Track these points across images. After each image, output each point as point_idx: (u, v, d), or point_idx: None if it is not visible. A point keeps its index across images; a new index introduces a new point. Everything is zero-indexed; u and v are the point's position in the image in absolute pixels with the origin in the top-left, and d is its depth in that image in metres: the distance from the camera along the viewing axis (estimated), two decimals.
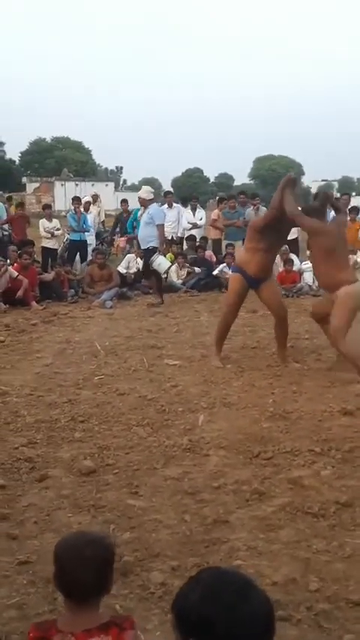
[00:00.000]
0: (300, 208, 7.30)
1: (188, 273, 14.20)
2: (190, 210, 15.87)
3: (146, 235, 12.51)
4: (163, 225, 12.69)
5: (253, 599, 1.45)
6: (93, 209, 16.14)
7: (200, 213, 16.04)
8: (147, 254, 12.45)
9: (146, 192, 13.02)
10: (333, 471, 4.69)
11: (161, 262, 12.46)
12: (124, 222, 16.09)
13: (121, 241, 15.22)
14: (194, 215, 15.75)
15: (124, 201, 17.21)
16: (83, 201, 15.75)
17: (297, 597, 3.22)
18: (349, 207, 15.23)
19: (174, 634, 1.51)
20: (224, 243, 15.20)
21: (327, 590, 3.27)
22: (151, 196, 12.89)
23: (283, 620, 3.01)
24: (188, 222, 15.54)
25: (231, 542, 3.75)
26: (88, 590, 2.01)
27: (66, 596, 2.07)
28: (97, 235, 15.91)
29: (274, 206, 7.30)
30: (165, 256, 14.09)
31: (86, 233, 14.82)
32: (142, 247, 12.65)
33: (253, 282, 7.62)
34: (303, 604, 3.16)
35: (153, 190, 13.61)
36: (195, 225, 15.58)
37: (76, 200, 15.14)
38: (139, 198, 13.00)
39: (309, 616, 3.08)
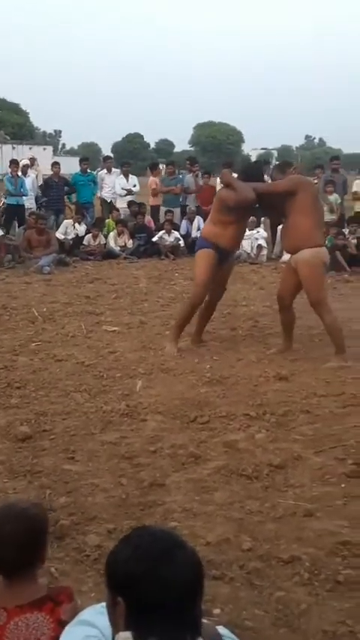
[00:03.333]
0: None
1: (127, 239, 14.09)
2: (122, 177, 15.62)
3: None
4: None
5: (178, 558, 1.47)
6: (31, 173, 15.76)
7: (133, 179, 15.78)
8: None
9: None
10: (267, 435, 4.78)
11: None
12: (52, 186, 15.43)
13: None
14: (127, 181, 15.51)
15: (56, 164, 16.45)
16: (21, 164, 15.35)
17: (230, 556, 3.29)
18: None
19: (106, 593, 1.53)
20: (162, 209, 15.12)
21: (259, 550, 3.36)
22: None
23: (216, 579, 3.08)
24: (122, 189, 15.33)
25: (167, 505, 3.81)
26: (14, 566, 1.98)
27: None
28: (36, 200, 15.54)
29: (233, 205, 6.61)
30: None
31: (24, 197, 14.51)
32: None
33: (224, 257, 6.95)
34: (236, 563, 3.24)
35: None
36: (130, 192, 15.38)
37: (14, 163, 14.76)
38: None
39: (241, 574, 3.16)
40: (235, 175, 7.34)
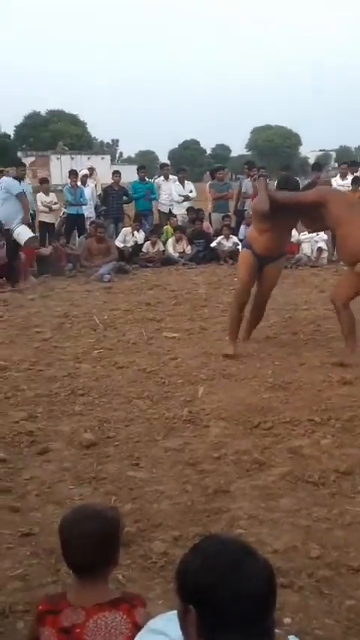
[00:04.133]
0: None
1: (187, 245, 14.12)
2: (178, 183, 15.65)
3: (9, 212, 11.52)
4: (23, 192, 11.72)
5: (250, 567, 1.45)
6: (90, 182, 15.95)
7: (189, 185, 15.80)
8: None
9: None
10: (333, 440, 4.71)
11: (21, 232, 11.37)
12: (111, 195, 15.59)
13: None
14: (184, 187, 15.55)
15: (116, 173, 16.70)
16: (80, 174, 15.54)
17: (298, 564, 3.25)
18: (351, 177, 15.06)
19: (177, 602, 1.52)
20: (214, 215, 15.10)
21: (328, 557, 3.30)
22: None
23: (285, 587, 3.04)
24: (179, 195, 15.36)
25: (232, 512, 3.78)
26: (90, 565, 2.01)
27: (73, 571, 2.08)
28: (95, 209, 15.70)
29: (265, 215, 6.67)
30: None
31: (83, 207, 14.70)
32: (10, 227, 11.49)
33: (261, 260, 7.01)
34: (304, 571, 3.19)
35: None
36: (187, 198, 15.41)
37: (73, 174, 14.98)
38: None
39: (310, 583, 3.11)
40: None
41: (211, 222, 15.20)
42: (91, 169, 17.22)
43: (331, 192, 6.90)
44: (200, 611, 1.42)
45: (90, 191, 15.34)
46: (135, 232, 14.11)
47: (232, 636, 1.39)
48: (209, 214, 15.56)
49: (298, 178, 8.02)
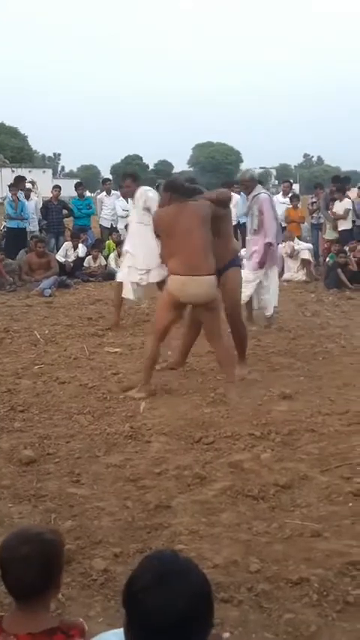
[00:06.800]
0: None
1: None
2: (122, 199, 15.68)
3: None
4: None
5: (173, 585, 1.49)
6: (33, 196, 15.83)
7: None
8: None
9: None
10: (272, 454, 4.76)
11: None
12: (52, 209, 15.53)
13: None
14: (127, 202, 15.58)
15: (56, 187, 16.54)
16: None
17: (238, 579, 3.26)
18: (290, 194, 15.35)
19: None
20: None
21: (267, 571, 3.33)
22: None
23: (225, 602, 3.05)
24: (123, 210, 15.40)
25: (173, 527, 3.78)
26: (28, 590, 1.94)
27: (11, 595, 2.01)
28: (37, 223, 15.59)
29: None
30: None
31: (24, 221, 14.55)
32: None
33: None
34: (244, 585, 3.20)
35: None
36: None
37: (14, 187, 14.82)
38: None
39: (250, 597, 3.13)
40: None
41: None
42: (32, 183, 17.11)
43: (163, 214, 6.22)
44: (129, 619, 1.49)
45: (33, 205, 15.24)
46: (79, 245, 14.06)
47: None
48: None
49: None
